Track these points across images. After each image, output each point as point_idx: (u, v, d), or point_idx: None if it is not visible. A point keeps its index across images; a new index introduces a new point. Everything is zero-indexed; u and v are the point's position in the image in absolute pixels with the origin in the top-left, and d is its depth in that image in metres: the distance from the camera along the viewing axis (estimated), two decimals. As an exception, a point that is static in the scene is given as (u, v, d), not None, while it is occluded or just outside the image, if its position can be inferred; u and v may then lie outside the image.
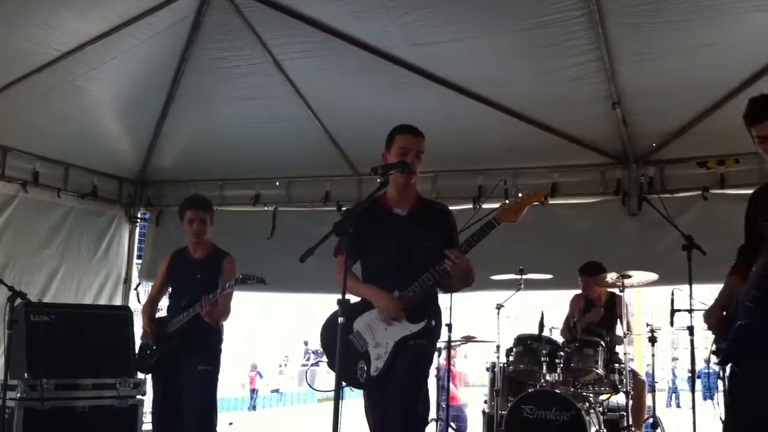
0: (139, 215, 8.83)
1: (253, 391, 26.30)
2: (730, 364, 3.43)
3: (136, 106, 7.38)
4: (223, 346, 5.26)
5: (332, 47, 6.28)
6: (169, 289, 5.43)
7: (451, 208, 4.18)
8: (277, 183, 8.30)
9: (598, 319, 6.77)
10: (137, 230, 8.90)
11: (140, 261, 8.85)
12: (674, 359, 29.68)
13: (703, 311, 3.65)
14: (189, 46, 6.71)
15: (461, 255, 3.67)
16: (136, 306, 7.78)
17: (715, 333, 3.52)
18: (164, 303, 5.52)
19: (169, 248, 7.52)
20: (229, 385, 23.82)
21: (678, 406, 25.02)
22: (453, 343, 6.80)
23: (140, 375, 5.80)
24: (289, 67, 6.73)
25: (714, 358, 3.50)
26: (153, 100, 7.41)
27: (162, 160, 8.36)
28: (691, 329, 5.86)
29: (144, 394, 5.90)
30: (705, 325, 3.61)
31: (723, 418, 3.49)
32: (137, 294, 8.47)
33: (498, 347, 6.82)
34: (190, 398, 4.96)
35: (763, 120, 3.39)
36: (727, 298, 3.53)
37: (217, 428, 5.14)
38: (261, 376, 27.25)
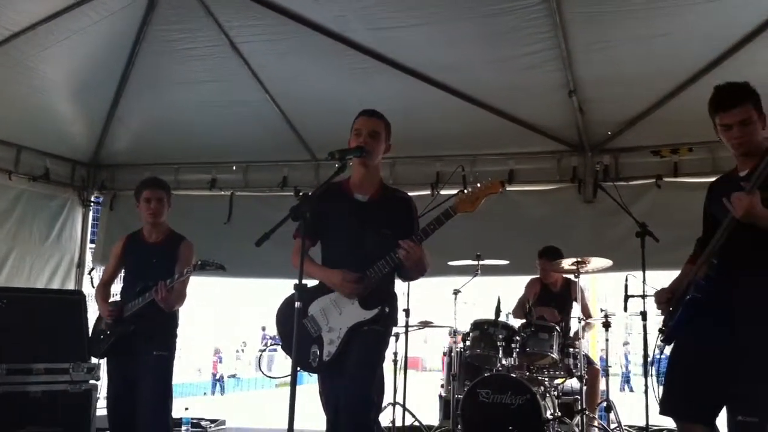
0: (92, 199, 8.68)
1: (215, 375, 26.25)
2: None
3: (89, 88, 7.23)
4: (179, 331, 5.21)
5: (290, 31, 6.23)
6: (123, 273, 5.34)
7: (409, 194, 4.18)
8: (234, 167, 8.24)
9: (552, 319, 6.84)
10: (90, 214, 8.76)
11: (93, 245, 8.72)
12: (626, 344, 30.20)
13: (654, 292, 3.74)
14: (143, 27, 6.58)
15: (415, 244, 3.67)
16: (89, 291, 7.66)
17: (664, 312, 3.64)
18: (116, 287, 5.44)
19: (122, 232, 7.40)
20: (187, 370, 23.73)
21: (631, 390, 25.49)
22: (410, 328, 6.82)
23: (94, 360, 5.72)
24: (246, 49, 6.66)
25: (660, 337, 3.59)
26: (107, 82, 7.27)
27: (116, 143, 8.22)
28: (644, 314, 5.98)
29: (98, 379, 5.82)
30: (657, 308, 3.70)
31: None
32: (91, 279, 8.35)
33: (455, 332, 6.86)
34: (145, 383, 4.88)
35: (728, 109, 3.40)
36: (679, 282, 3.65)
37: (173, 413, 5.09)
38: (221, 361, 27.17)
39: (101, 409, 5.64)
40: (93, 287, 7.80)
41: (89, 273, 8.46)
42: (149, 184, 5.23)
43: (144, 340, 4.95)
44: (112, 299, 5.30)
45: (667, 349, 3.64)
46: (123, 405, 4.94)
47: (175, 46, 6.69)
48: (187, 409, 7.66)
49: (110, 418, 4.99)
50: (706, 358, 3.36)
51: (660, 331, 3.58)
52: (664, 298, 3.64)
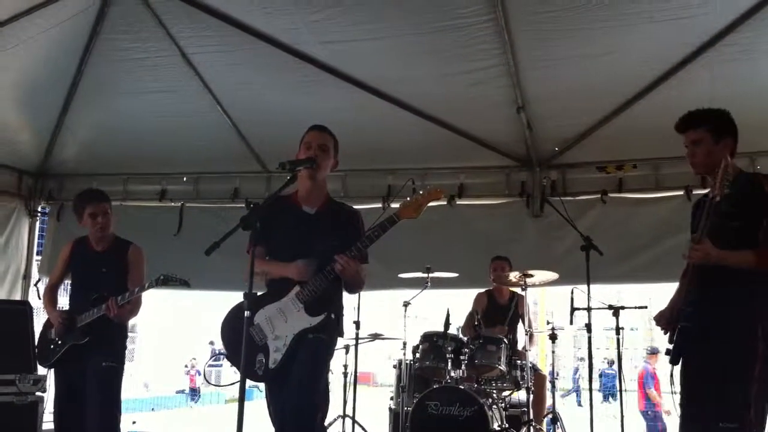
0: (39, 209, 8.53)
1: (193, 389, 26.07)
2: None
3: (37, 97, 7.12)
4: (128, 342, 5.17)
5: (242, 42, 6.23)
6: (70, 279, 5.28)
7: (360, 207, 4.26)
8: (185, 178, 8.17)
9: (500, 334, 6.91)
10: (37, 225, 8.59)
11: (40, 257, 8.55)
12: (581, 359, 30.55)
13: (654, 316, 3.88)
14: (93, 37, 6.51)
15: (349, 258, 3.72)
16: (36, 302, 7.52)
17: (665, 332, 3.77)
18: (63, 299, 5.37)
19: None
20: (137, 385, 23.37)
21: (579, 404, 25.74)
22: (360, 341, 6.84)
23: (42, 369, 5.61)
24: (197, 60, 6.63)
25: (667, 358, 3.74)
26: (55, 91, 7.17)
27: (64, 152, 8.09)
28: (588, 327, 6.10)
29: (44, 390, 5.73)
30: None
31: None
32: (37, 290, 8.17)
33: (404, 344, 6.90)
34: (93, 394, 4.83)
35: (680, 132, 3.73)
36: (677, 297, 3.78)
37: (120, 426, 5.02)
38: (199, 374, 26.81)
39: (48, 422, 5.56)
40: (39, 299, 7.66)
41: (35, 284, 8.28)
42: (90, 198, 5.17)
43: (93, 350, 4.89)
44: (59, 307, 5.23)
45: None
46: (70, 416, 4.88)
47: (125, 56, 6.64)
48: (134, 422, 7.56)
49: (56, 427, 4.90)
50: (693, 376, 3.57)
51: (667, 352, 3.70)
52: (664, 322, 3.77)
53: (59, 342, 5.03)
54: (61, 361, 5.02)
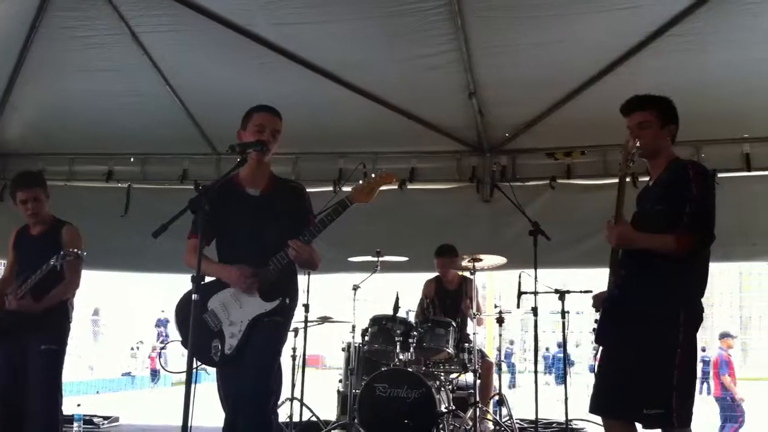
0: (-18, 189, 8.29)
1: (153, 370, 25.80)
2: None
3: (-20, 74, 6.93)
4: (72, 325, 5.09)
5: (192, 22, 6.14)
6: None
7: (311, 190, 4.20)
8: (132, 159, 8.05)
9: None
10: (-20, 205, 8.35)
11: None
12: (512, 342, 31.10)
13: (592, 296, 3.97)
14: (39, 14, 6.34)
15: (303, 244, 3.71)
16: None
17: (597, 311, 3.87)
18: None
19: (14, 224, 7.09)
20: (80, 367, 23.03)
21: (514, 386, 26.13)
22: (309, 323, 6.84)
23: None
24: (146, 40, 6.51)
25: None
26: (0, 68, 6.97)
27: (8, 132, 7.87)
28: (535, 310, 6.21)
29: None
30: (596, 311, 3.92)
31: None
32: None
33: (354, 327, 6.93)
34: (33, 378, 4.78)
35: (625, 115, 3.76)
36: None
37: (62, 408, 4.96)
38: (160, 356, 26.44)
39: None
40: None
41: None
42: (20, 184, 5.08)
43: (32, 334, 4.83)
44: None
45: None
46: (10, 395, 4.82)
47: (72, 33, 6.48)
48: (79, 405, 7.44)
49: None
50: (614, 360, 3.64)
51: (593, 331, 3.78)
52: (599, 303, 3.84)
53: None
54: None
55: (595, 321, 3.82)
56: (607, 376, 3.69)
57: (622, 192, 3.60)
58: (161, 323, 29.06)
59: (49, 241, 4.99)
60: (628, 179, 3.70)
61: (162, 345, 25.58)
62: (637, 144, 3.61)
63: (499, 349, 7.68)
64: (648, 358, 3.43)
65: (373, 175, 3.85)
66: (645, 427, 3.50)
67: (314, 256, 3.82)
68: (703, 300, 3.61)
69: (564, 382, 6.92)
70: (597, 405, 3.68)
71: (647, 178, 3.83)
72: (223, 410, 3.82)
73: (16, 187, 5.05)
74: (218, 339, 3.78)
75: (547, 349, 29.33)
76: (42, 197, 5.03)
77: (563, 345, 6.85)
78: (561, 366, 23.84)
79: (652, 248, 3.47)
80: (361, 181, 3.86)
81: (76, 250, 4.79)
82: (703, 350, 28.72)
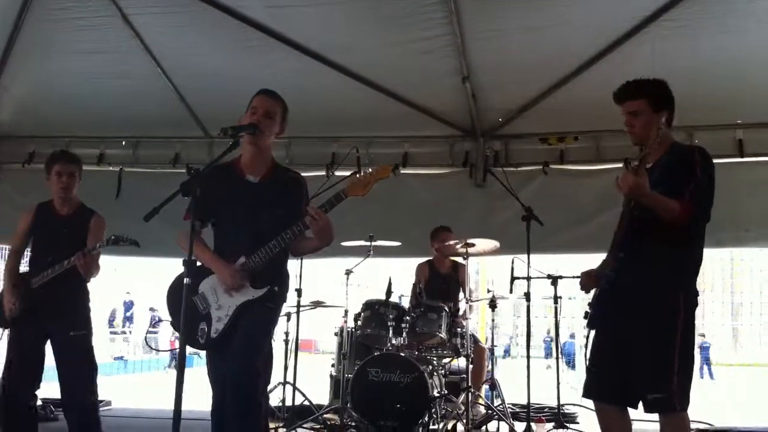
0: (-26, 172, 8.24)
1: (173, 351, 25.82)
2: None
3: (-30, 55, 6.86)
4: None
5: (184, 4, 6.09)
6: (31, 243, 5.21)
7: (304, 174, 4.18)
8: (124, 142, 8.00)
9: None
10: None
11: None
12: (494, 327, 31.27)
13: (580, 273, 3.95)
14: (30, -6, 6.29)
15: (322, 212, 3.71)
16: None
17: (586, 292, 3.88)
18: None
19: (7, 206, 7.07)
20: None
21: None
22: (302, 308, 6.84)
23: None
24: (138, 22, 6.46)
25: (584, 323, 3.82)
26: (-11, 51, 6.91)
27: (0, 113, 7.83)
28: (527, 295, 6.21)
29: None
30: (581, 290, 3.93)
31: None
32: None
33: (346, 312, 6.94)
34: (67, 366, 4.89)
35: (618, 103, 3.75)
36: (603, 266, 3.82)
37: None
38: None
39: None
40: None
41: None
42: (61, 158, 5.15)
43: (57, 318, 4.90)
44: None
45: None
46: (18, 377, 4.85)
47: (63, 15, 6.41)
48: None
49: (5, 389, 4.84)
50: (611, 345, 3.64)
51: (585, 315, 3.77)
52: (585, 278, 3.85)
53: (15, 303, 4.96)
54: (17, 322, 4.95)
55: (588, 304, 3.79)
56: (604, 362, 3.67)
57: (646, 155, 3.51)
58: (127, 306, 29.22)
59: (77, 226, 5.07)
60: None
61: (148, 329, 25.66)
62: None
63: (492, 334, 7.68)
64: (648, 343, 3.45)
65: (369, 170, 3.83)
66: (647, 411, 3.50)
67: (331, 225, 3.80)
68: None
69: (557, 366, 6.95)
70: (593, 390, 3.71)
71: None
72: (212, 391, 3.83)
73: (55, 160, 5.11)
74: (205, 322, 3.80)
75: (548, 333, 29.48)
76: (77, 176, 5.13)
77: (555, 329, 6.87)
78: (572, 352, 24.05)
79: (657, 207, 3.45)
80: (358, 175, 3.84)
81: (99, 244, 4.85)
82: (702, 336, 29.03)
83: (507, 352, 29.99)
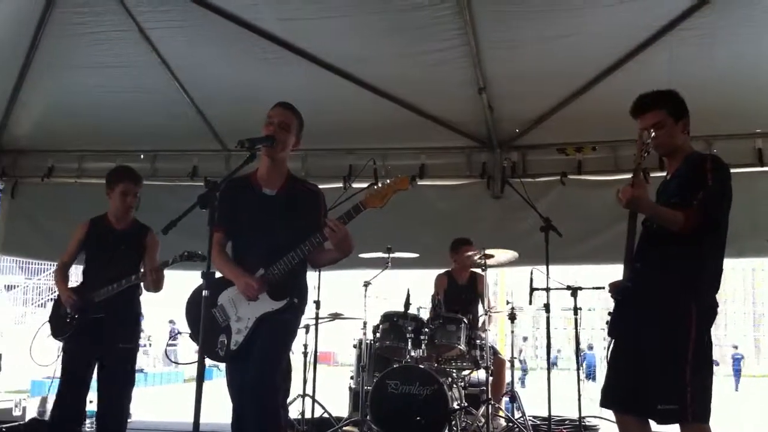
0: (-7, 186, 8.33)
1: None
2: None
3: (-10, 71, 6.93)
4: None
5: (200, 18, 6.12)
6: (84, 256, 5.31)
7: (321, 187, 4.19)
8: (142, 156, 8.03)
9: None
10: (-9, 202, 8.39)
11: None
12: (525, 338, 31.10)
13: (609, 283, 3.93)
14: (48, 9, 6.33)
15: (341, 222, 3.71)
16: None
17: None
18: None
19: (24, 221, 7.12)
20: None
21: (523, 385, 26.06)
22: (320, 320, 6.83)
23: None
24: (155, 36, 6.50)
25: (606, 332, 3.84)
26: (9, 66, 6.97)
27: (18, 128, 7.87)
28: (547, 307, 6.17)
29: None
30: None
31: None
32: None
33: (365, 324, 6.92)
34: (111, 375, 5.01)
35: (636, 117, 3.73)
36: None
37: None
38: None
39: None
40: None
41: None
42: (127, 177, 5.25)
43: (111, 330, 4.99)
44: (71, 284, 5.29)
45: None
46: (78, 386, 4.97)
47: (81, 30, 6.47)
48: (91, 402, 7.45)
49: (61, 395, 4.95)
50: (627, 354, 3.62)
51: (607, 324, 3.78)
52: (613, 289, 3.81)
53: (75, 317, 5.07)
54: (74, 335, 5.05)
55: (609, 314, 3.78)
56: (619, 371, 3.66)
57: (639, 166, 3.59)
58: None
59: (134, 241, 5.20)
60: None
61: (167, 342, 25.67)
62: (653, 134, 3.58)
63: (511, 346, 7.63)
64: (660, 354, 3.43)
65: (387, 181, 3.83)
66: (659, 422, 3.48)
67: (350, 236, 3.80)
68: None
69: (578, 377, 6.89)
70: (609, 399, 3.69)
71: (659, 174, 3.81)
72: (231, 403, 3.83)
73: (123, 177, 5.21)
74: (225, 334, 3.81)
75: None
76: (139, 196, 5.25)
77: (576, 340, 6.81)
78: (593, 363, 23.86)
79: (659, 218, 3.48)
80: (375, 186, 3.84)
81: (172, 259, 4.92)
82: (735, 347, 28.64)
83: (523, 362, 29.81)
